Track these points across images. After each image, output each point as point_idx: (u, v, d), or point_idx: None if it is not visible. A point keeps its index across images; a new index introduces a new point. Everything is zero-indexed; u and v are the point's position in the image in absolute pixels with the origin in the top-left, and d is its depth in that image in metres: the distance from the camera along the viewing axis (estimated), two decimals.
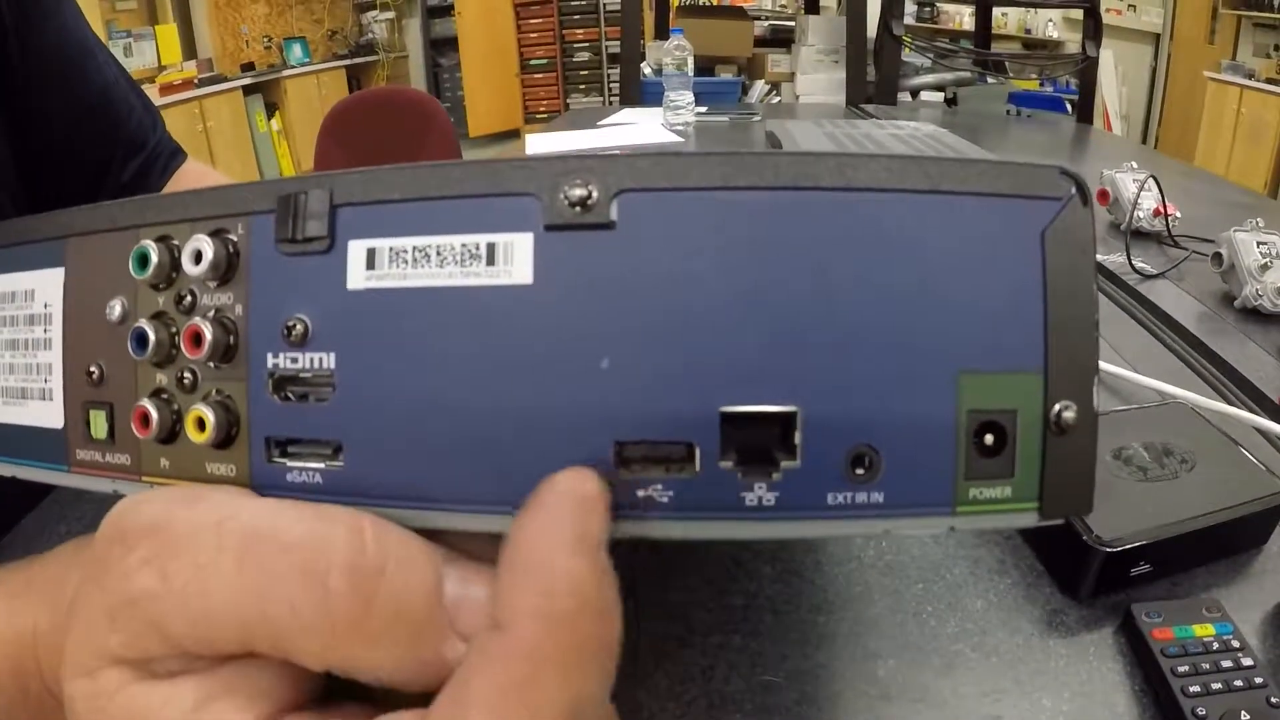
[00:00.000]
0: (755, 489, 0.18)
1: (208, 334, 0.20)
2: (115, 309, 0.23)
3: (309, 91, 5.75)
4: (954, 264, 0.18)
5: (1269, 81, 4.45)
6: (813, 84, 2.08)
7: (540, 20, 6.12)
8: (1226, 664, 0.32)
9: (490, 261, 0.19)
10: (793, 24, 2.52)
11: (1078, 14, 2.01)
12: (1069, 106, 2.31)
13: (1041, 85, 2.55)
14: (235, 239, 0.21)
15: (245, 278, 0.21)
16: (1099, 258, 0.81)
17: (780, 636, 0.35)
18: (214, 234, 0.21)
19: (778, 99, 2.24)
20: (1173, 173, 1.32)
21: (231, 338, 0.21)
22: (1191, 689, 0.31)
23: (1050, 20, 4.82)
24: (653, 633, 0.36)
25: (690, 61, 1.64)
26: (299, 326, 0.20)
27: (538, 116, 6.25)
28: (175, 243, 0.22)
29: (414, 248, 0.19)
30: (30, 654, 0.24)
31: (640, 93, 2.07)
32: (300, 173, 5.18)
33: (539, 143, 1.55)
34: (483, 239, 0.19)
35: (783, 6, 3.62)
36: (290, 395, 0.20)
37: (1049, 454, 0.18)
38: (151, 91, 4.22)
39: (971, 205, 0.18)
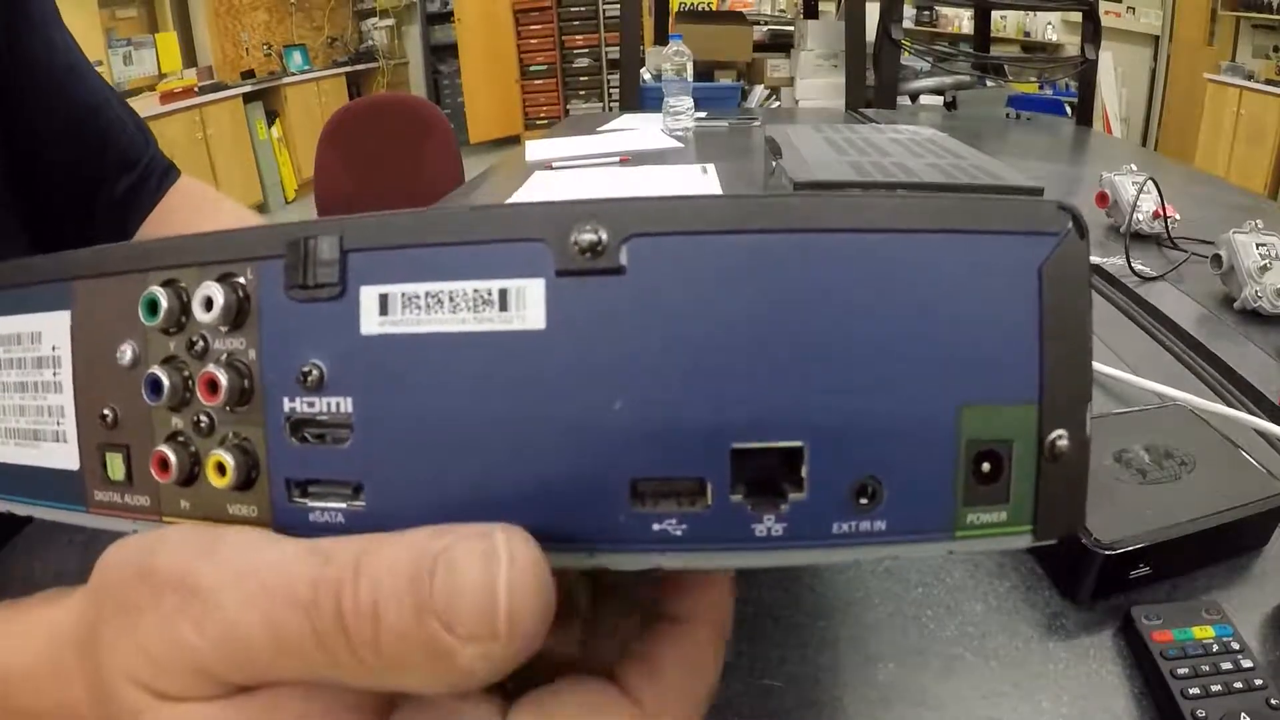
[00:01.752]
0: (765, 520, 0.19)
1: (223, 380, 0.21)
2: (126, 354, 0.23)
3: (309, 99, 5.77)
4: (954, 300, 0.19)
5: (1268, 82, 4.46)
6: (812, 89, 2.08)
7: (540, 26, 6.14)
8: (1226, 666, 0.32)
9: (503, 307, 0.19)
10: (792, 29, 2.52)
11: (1077, 17, 2.01)
12: (1068, 109, 2.31)
13: (1041, 88, 2.55)
14: (245, 284, 0.21)
15: (256, 323, 0.21)
16: (1098, 260, 0.82)
17: (780, 641, 0.35)
18: (222, 279, 0.21)
19: (777, 103, 2.24)
20: (1172, 175, 1.32)
21: (246, 381, 0.21)
22: (1191, 691, 0.31)
23: (1049, 23, 4.83)
24: None
25: (690, 67, 1.65)
26: (314, 372, 0.20)
27: (538, 122, 6.27)
28: (183, 286, 0.22)
29: (426, 293, 0.19)
30: (7, 695, 0.24)
31: (640, 98, 2.08)
32: (301, 180, 5.21)
33: (539, 149, 1.55)
34: (495, 285, 0.19)
35: (781, 11, 3.62)
36: (309, 438, 0.20)
37: (1043, 479, 0.19)
38: (152, 99, 4.25)
39: (972, 242, 0.19)
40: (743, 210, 0.19)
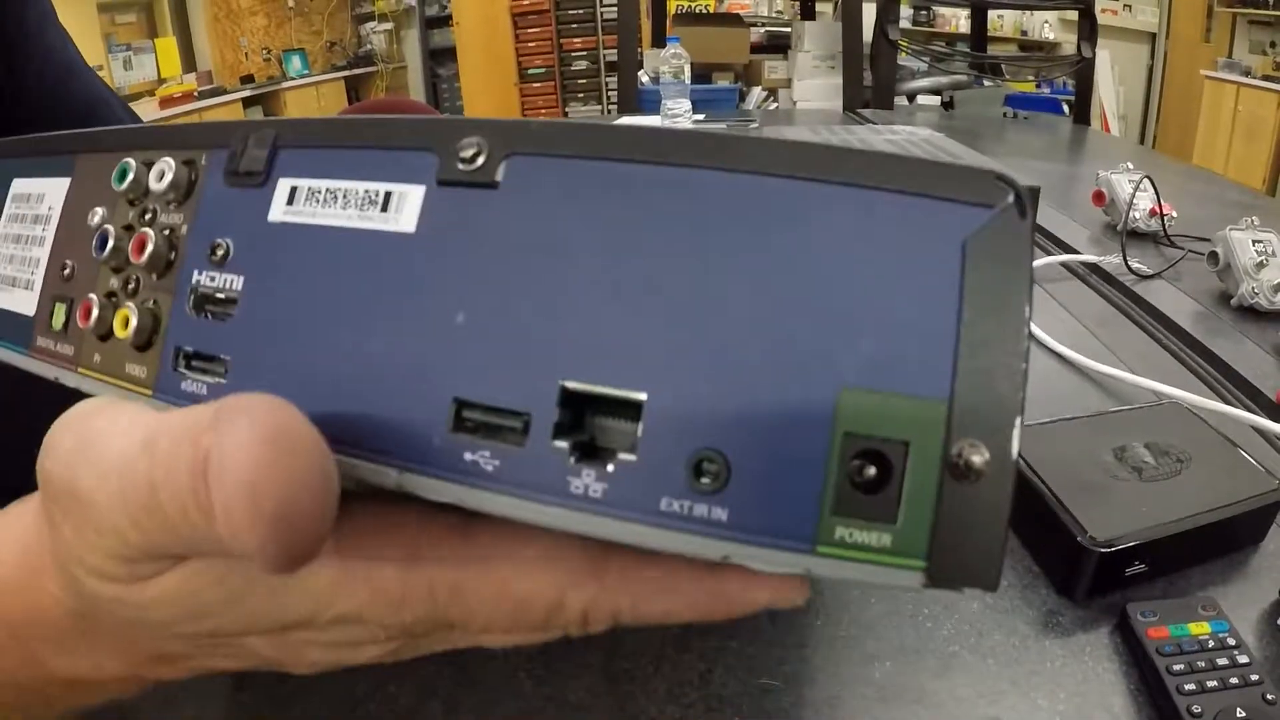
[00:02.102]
0: (584, 476, 0.17)
1: (150, 244, 0.22)
2: (96, 215, 0.25)
3: (309, 103, 5.77)
4: (853, 265, 0.16)
5: (1265, 78, 4.46)
6: (810, 90, 2.08)
7: (538, 30, 6.13)
8: (1222, 662, 0.32)
9: (384, 209, 0.19)
10: (789, 30, 2.52)
11: (1074, 15, 2.01)
12: (1065, 108, 2.31)
13: (1038, 87, 2.55)
14: (197, 169, 0.23)
15: (196, 202, 0.23)
16: (1095, 258, 0.82)
17: (777, 640, 0.36)
18: (186, 162, 0.23)
19: (775, 105, 2.24)
20: (1169, 172, 1.32)
21: (172, 254, 0.22)
22: (1187, 687, 0.31)
23: (1046, 21, 4.83)
24: (651, 637, 0.36)
25: (687, 69, 1.65)
26: (222, 249, 0.21)
27: None
28: (146, 168, 0.24)
29: (326, 189, 0.20)
30: None
31: (638, 101, 2.09)
32: None
33: None
34: (382, 187, 0.20)
35: (779, 12, 3.63)
36: (207, 313, 0.21)
37: (945, 502, 0.15)
38: (152, 104, 4.26)
39: (884, 202, 0.16)
40: (628, 138, 0.17)
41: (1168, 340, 0.67)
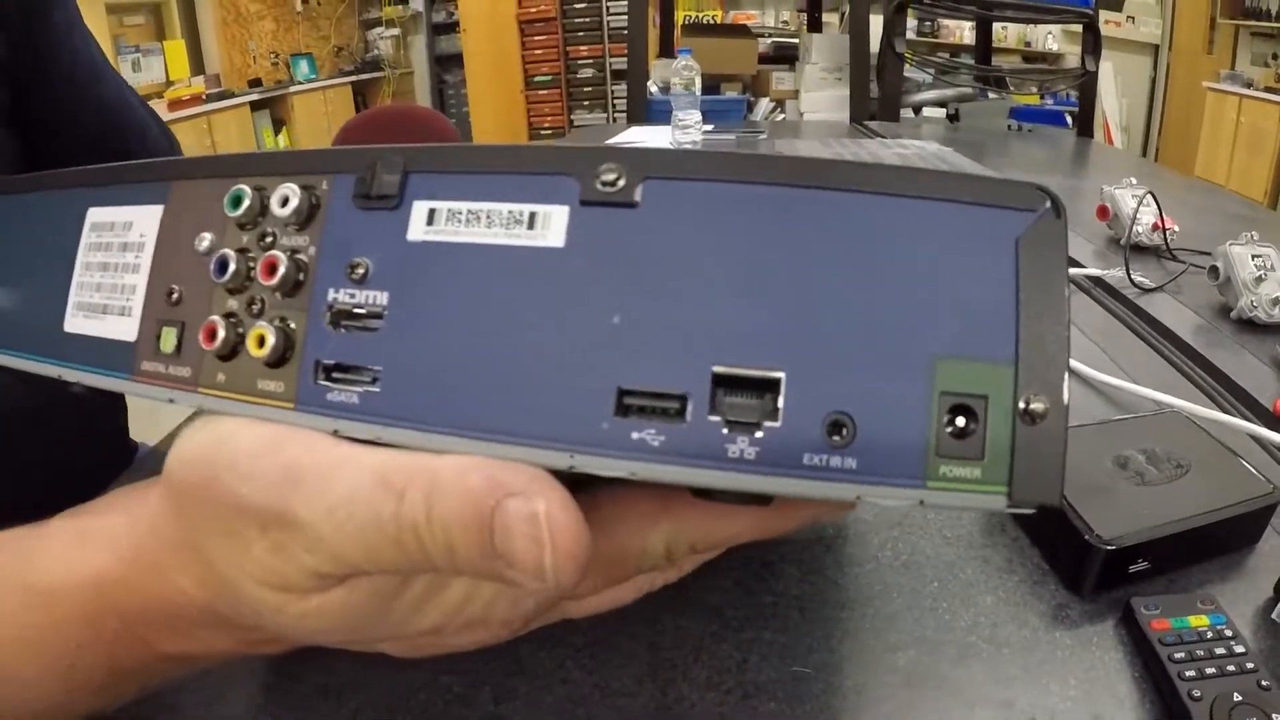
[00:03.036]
0: (739, 442, 0.20)
1: (282, 265, 0.24)
2: (204, 241, 0.26)
3: (315, 107, 5.79)
4: (937, 261, 0.20)
5: (1268, 90, 4.48)
6: (817, 101, 2.11)
7: (545, 37, 6.12)
8: (1220, 651, 0.35)
9: (530, 226, 0.22)
10: (795, 41, 2.55)
11: (1077, 26, 2.04)
12: (1069, 119, 2.34)
13: (1042, 99, 2.58)
14: (319, 193, 0.24)
15: (321, 225, 0.24)
16: (1099, 272, 0.84)
17: (807, 631, 0.38)
18: (304, 187, 0.24)
19: (782, 116, 2.27)
20: (1172, 186, 1.35)
21: (301, 275, 0.24)
22: (1188, 674, 0.33)
23: (1050, 33, 4.86)
24: (691, 629, 0.38)
25: (698, 81, 1.68)
26: (361, 268, 0.23)
27: (542, 132, 6.27)
28: (267, 192, 0.25)
29: (467, 210, 0.22)
30: (102, 598, 0.27)
31: (646, 111, 2.11)
32: None
33: None
34: (526, 208, 0.22)
35: (784, 23, 3.66)
36: (345, 327, 0.23)
37: (1019, 441, 0.19)
38: (160, 106, 4.28)
39: (956, 211, 0.20)
40: (747, 164, 0.21)
41: (1169, 352, 0.70)
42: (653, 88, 2.19)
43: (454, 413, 0.21)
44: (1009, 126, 1.91)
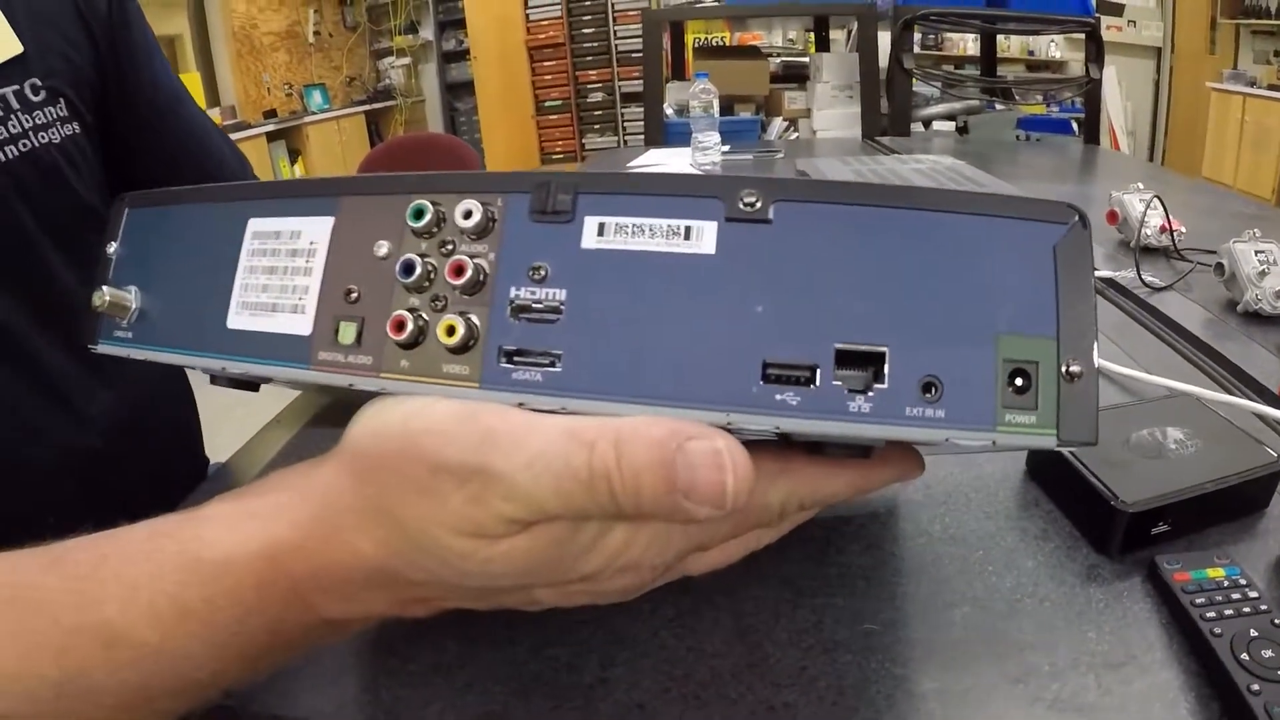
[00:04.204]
0: (856, 400, 0.26)
1: (469, 268, 0.28)
2: (382, 248, 0.30)
3: (330, 137, 5.90)
4: (996, 262, 0.26)
5: (1271, 88, 4.50)
6: (829, 119, 2.16)
7: (554, 63, 6.19)
8: (1236, 597, 0.39)
9: (686, 238, 0.27)
10: (803, 60, 2.62)
11: (1080, 35, 2.09)
12: (1075, 126, 2.39)
13: (1047, 107, 2.63)
14: (494, 209, 0.29)
15: (499, 235, 0.29)
16: (1111, 274, 0.90)
17: (872, 596, 0.43)
18: (483, 203, 0.29)
19: (795, 135, 2.33)
20: (1177, 188, 1.40)
21: (480, 276, 0.28)
22: (1208, 615, 0.39)
23: (1052, 41, 4.90)
24: (768, 597, 0.43)
25: (716, 104, 1.74)
26: (542, 270, 0.28)
27: (554, 157, 6.32)
28: (441, 207, 0.30)
29: (633, 224, 0.28)
30: (276, 566, 0.29)
31: (663, 133, 2.18)
32: None
33: None
34: (682, 222, 0.28)
35: (791, 41, 3.72)
36: (524, 319, 0.28)
37: (1062, 395, 0.25)
38: None
39: (1009, 224, 0.26)
40: (855, 190, 0.27)
41: (1180, 345, 0.75)
42: (668, 110, 2.25)
43: (628, 385, 0.27)
44: (1017, 137, 1.96)
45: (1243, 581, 0.41)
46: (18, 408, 0.61)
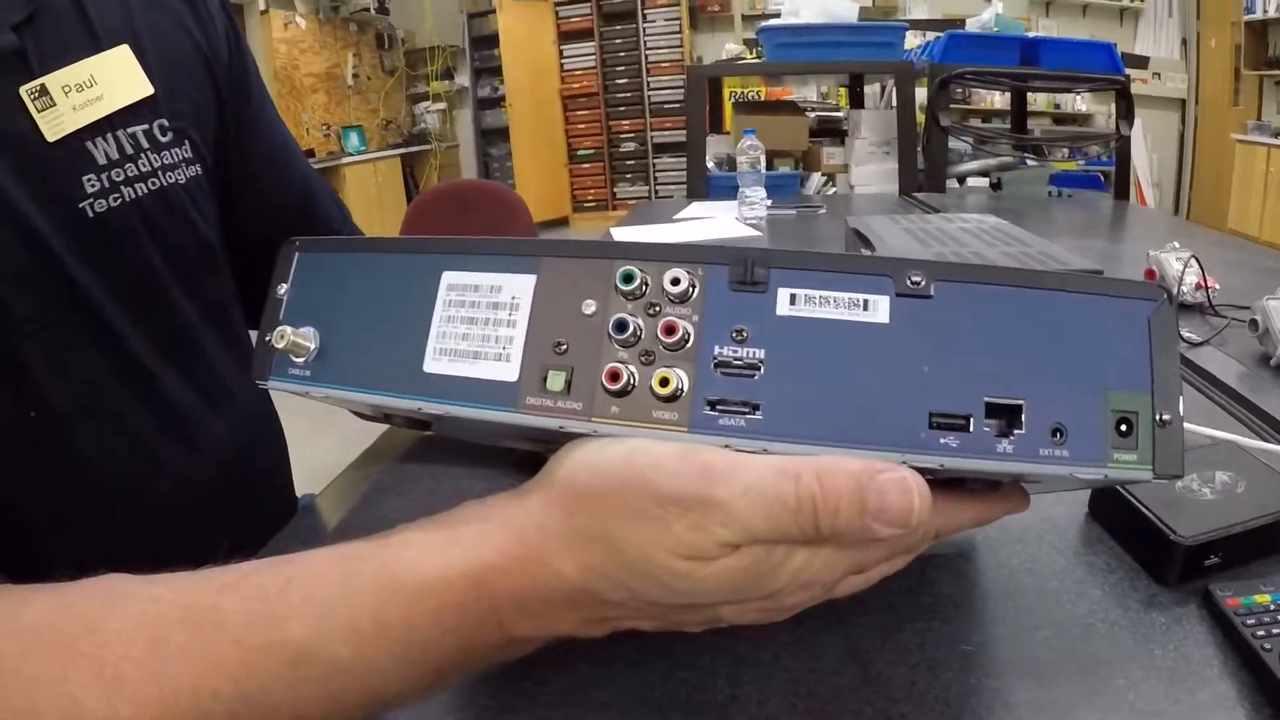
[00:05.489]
0: (1002, 443, 0.31)
1: (680, 328, 0.32)
2: (590, 307, 0.33)
3: (366, 179, 5.94)
4: (1103, 332, 0.31)
5: None
6: (867, 175, 2.23)
7: (587, 112, 6.29)
8: None
9: (865, 309, 0.32)
10: (838, 115, 2.69)
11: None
12: (1103, 178, 2.44)
13: (1075, 160, 2.68)
14: (695, 277, 0.33)
15: (701, 300, 0.33)
16: None
17: (964, 621, 0.49)
18: (688, 272, 0.33)
19: (833, 190, 2.38)
20: (1208, 243, 1.44)
21: (686, 336, 0.32)
22: (1259, 634, 0.44)
23: (1079, 95, 4.95)
24: (873, 624, 0.49)
25: (762, 160, 1.82)
26: (743, 332, 0.32)
27: (585, 205, 6.33)
28: (647, 273, 0.33)
29: (820, 296, 0.32)
30: (480, 588, 0.31)
31: (706, 186, 2.24)
32: None
33: (626, 235, 1.68)
34: (860, 296, 0.32)
35: (824, 95, 3.80)
36: (726, 374, 0.32)
37: (1157, 439, 0.30)
38: None
39: (1115, 302, 0.32)
40: (995, 274, 0.32)
41: (1218, 397, 0.80)
42: (710, 163, 2.32)
43: (820, 430, 0.32)
44: (1049, 193, 2.00)
45: None
46: (142, 437, 0.62)
